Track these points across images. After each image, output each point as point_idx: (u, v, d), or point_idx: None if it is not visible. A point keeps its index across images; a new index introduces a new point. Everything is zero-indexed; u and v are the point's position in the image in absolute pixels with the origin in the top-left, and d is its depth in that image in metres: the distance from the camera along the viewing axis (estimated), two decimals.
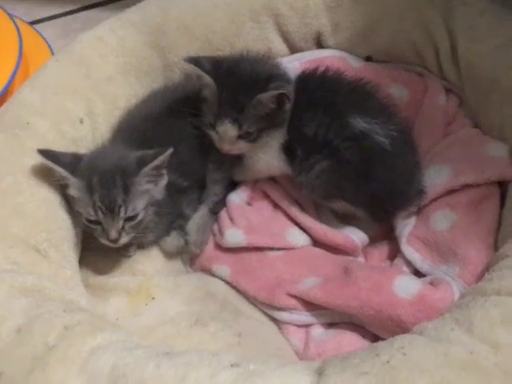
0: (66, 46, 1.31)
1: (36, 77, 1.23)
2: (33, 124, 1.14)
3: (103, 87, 1.25)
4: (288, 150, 1.19)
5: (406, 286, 1.05)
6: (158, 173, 1.10)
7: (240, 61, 1.20)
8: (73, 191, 1.07)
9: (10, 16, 1.56)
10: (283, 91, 1.11)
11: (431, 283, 1.07)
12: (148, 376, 0.79)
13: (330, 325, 1.12)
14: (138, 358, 0.81)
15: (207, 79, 1.15)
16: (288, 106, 1.15)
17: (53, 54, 1.63)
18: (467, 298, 0.90)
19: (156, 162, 1.06)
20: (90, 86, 1.24)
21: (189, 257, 1.25)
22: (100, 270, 1.17)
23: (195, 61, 1.16)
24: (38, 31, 1.72)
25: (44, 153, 1.06)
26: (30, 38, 1.61)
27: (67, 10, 1.88)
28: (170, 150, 1.06)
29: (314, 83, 1.19)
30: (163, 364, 0.80)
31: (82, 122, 1.20)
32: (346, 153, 1.13)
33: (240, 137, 1.15)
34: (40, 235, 1.03)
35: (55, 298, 0.95)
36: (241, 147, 1.18)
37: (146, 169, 1.06)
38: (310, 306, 1.11)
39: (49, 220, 1.05)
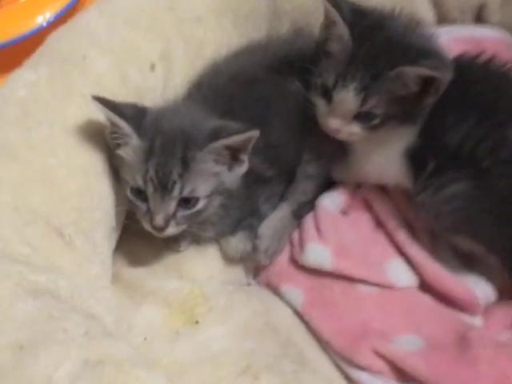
0: None
1: None
2: (90, 59, 0.89)
3: (188, 27, 0.97)
4: (415, 157, 0.91)
5: None
6: (235, 156, 0.84)
7: (387, 19, 0.90)
8: (126, 152, 0.83)
9: None
10: (437, 75, 0.81)
11: None
12: None
13: None
14: None
15: (341, 29, 0.86)
16: (433, 98, 0.85)
17: None
18: None
19: (228, 141, 0.81)
20: (172, 24, 0.96)
21: (254, 266, 1.00)
22: (139, 262, 0.93)
23: (335, 1, 0.87)
24: None
25: (102, 101, 0.81)
26: None
27: None
28: (255, 133, 0.80)
29: (472, 74, 0.88)
30: None
31: (153, 68, 0.94)
32: (497, 180, 0.85)
33: (358, 116, 0.87)
34: (67, 215, 0.79)
35: (73, 308, 0.74)
36: (353, 132, 0.90)
37: (215, 145, 0.81)
38: (401, 373, 0.84)
39: (83, 196, 0.81)
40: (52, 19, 1.16)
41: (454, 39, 0.99)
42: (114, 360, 0.68)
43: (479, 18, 1.09)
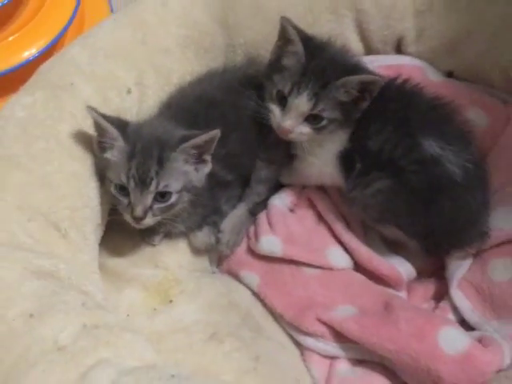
0: (127, 5, 1.20)
1: (89, 35, 1.13)
2: (77, 86, 1.05)
3: (158, 58, 1.15)
4: (346, 160, 1.08)
5: (452, 340, 0.94)
6: (201, 156, 1.01)
7: (328, 44, 1.10)
8: (113, 154, 0.99)
9: None
10: (377, 78, 1.01)
11: (480, 341, 0.95)
12: None
13: (358, 361, 1.02)
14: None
15: (297, 46, 1.04)
16: (367, 102, 1.04)
17: (112, 11, 1.53)
18: None
19: (197, 140, 0.97)
20: (145, 55, 1.13)
21: (217, 256, 1.16)
22: (121, 254, 1.09)
23: (291, 22, 1.05)
24: None
25: (95, 110, 0.97)
26: None
27: None
28: (217, 132, 0.97)
29: (390, 93, 1.06)
30: None
31: (129, 92, 1.10)
32: (411, 176, 1.02)
33: (308, 118, 1.04)
34: (63, 212, 0.94)
35: (71, 286, 0.88)
36: (303, 132, 1.06)
37: (186, 145, 0.98)
38: (339, 336, 1.02)
39: (75, 196, 0.97)
40: (37, 54, 1.33)
41: (378, 66, 1.19)
42: (106, 325, 0.82)
43: (399, 49, 1.28)
